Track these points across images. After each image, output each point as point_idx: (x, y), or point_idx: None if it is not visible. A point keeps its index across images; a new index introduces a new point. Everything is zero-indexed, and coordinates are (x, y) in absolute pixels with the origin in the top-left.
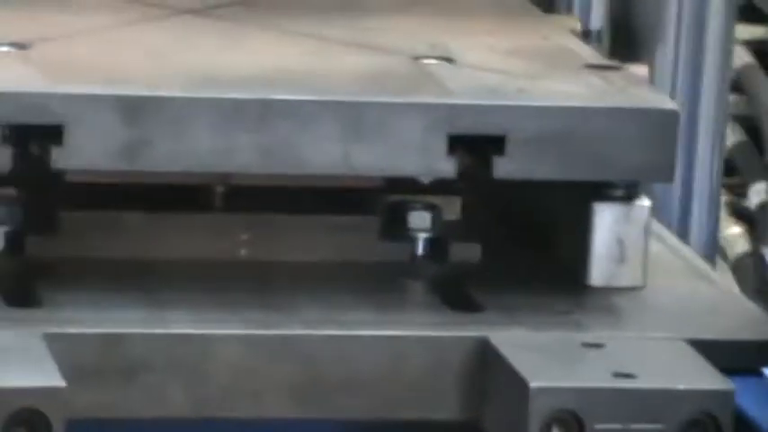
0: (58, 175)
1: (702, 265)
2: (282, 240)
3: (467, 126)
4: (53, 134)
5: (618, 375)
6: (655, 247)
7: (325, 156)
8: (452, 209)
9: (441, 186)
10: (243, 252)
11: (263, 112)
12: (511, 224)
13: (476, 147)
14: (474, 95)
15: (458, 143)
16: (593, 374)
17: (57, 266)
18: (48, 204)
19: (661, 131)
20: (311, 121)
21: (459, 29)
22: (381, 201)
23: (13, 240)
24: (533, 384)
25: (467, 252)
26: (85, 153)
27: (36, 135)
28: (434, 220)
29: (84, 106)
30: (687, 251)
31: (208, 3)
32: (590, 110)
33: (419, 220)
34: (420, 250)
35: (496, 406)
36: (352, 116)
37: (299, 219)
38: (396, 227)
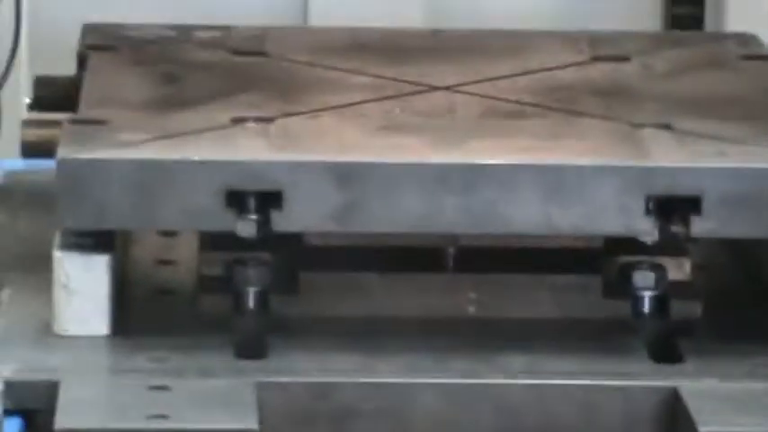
0: (299, 239)
1: None
2: (508, 299)
3: (663, 187)
4: (273, 199)
5: None
6: None
7: (527, 217)
8: (681, 269)
9: (669, 248)
10: (471, 310)
11: (468, 176)
12: (741, 284)
13: (673, 207)
14: (671, 159)
15: (655, 204)
16: (766, 421)
17: (292, 323)
18: (291, 267)
19: None
20: (512, 184)
21: (703, 99)
22: (607, 261)
23: (260, 299)
24: (702, 429)
25: (688, 309)
26: (302, 216)
27: (258, 200)
28: (659, 280)
29: (301, 173)
30: None
31: (464, 79)
32: None
33: (644, 280)
34: (643, 308)
35: None
36: (552, 179)
37: (525, 279)
38: (620, 286)
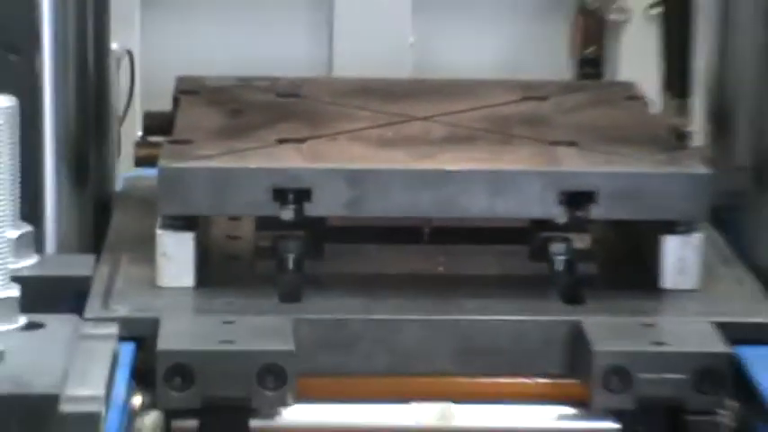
0: (323, 221)
1: (743, 274)
2: (464, 262)
3: (570, 185)
4: (305, 194)
5: (655, 343)
6: (713, 263)
7: (478, 205)
8: (583, 241)
9: (574, 227)
10: (440, 269)
11: (439, 178)
12: (628, 243)
13: (577, 198)
14: (576, 166)
15: (565, 196)
16: (638, 343)
17: (318, 279)
18: (318, 240)
19: (696, 188)
20: (468, 183)
21: (598, 126)
22: (532, 236)
23: (296, 263)
24: (597, 348)
25: (588, 268)
26: (325, 205)
27: (295, 194)
28: (567, 249)
29: (324, 176)
30: (740, 266)
31: (436, 113)
32: (649, 174)
33: (558, 248)
34: (557, 268)
35: (582, 365)
36: (495, 180)
37: (477, 248)
38: (541, 253)
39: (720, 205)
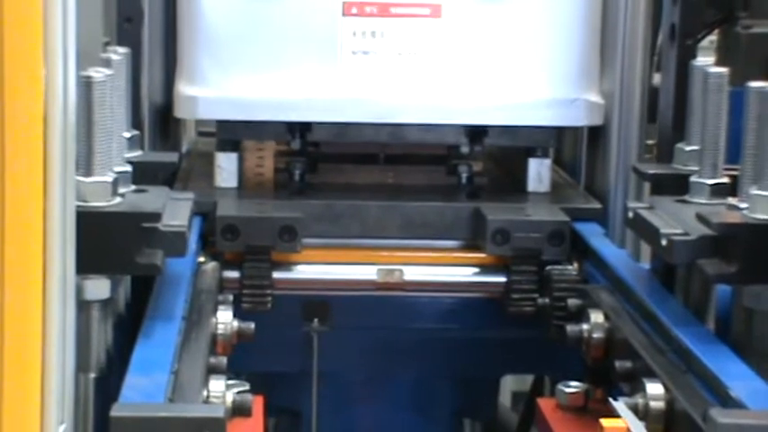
0: (318, 148)
1: (577, 187)
2: (405, 176)
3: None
4: (307, 126)
5: (524, 215)
6: (557, 178)
7: (414, 137)
8: (477, 165)
9: (474, 155)
10: (389, 180)
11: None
12: (506, 169)
13: (477, 135)
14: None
15: (469, 135)
16: (515, 215)
17: (314, 184)
18: (314, 161)
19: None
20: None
21: None
22: (448, 160)
23: (301, 174)
24: (489, 218)
25: (481, 180)
26: (316, 136)
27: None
28: (469, 168)
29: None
30: (576, 184)
31: None
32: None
33: (463, 168)
34: (462, 180)
35: (479, 231)
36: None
37: (413, 167)
38: (453, 170)
39: (569, 160)
